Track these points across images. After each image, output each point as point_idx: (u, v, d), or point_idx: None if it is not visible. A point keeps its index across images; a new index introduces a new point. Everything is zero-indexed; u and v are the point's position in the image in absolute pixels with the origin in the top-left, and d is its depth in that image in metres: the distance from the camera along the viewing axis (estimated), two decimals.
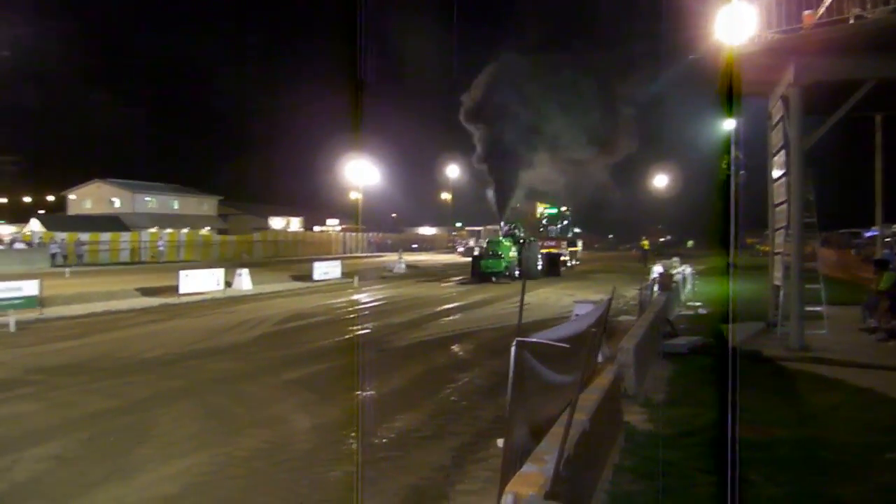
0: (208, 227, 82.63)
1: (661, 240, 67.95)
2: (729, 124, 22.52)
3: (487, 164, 39.96)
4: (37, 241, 52.57)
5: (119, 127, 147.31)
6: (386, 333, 17.86)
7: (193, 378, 12.35)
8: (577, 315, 11.67)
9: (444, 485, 7.08)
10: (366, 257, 65.04)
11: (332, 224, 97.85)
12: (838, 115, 13.48)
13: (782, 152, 15.29)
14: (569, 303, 20.23)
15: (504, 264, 35.04)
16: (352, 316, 22.08)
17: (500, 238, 37.71)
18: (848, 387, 10.83)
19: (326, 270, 36.56)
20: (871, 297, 15.92)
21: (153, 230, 62.72)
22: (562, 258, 43.47)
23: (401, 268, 43.82)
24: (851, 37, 12.91)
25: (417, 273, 42.93)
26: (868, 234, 39.49)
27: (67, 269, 38.27)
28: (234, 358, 14.50)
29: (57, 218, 78.82)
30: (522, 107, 37.99)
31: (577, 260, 49.03)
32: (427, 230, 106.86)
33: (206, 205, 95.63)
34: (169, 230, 63.88)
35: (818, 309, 14.79)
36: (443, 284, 34.35)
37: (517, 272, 35.71)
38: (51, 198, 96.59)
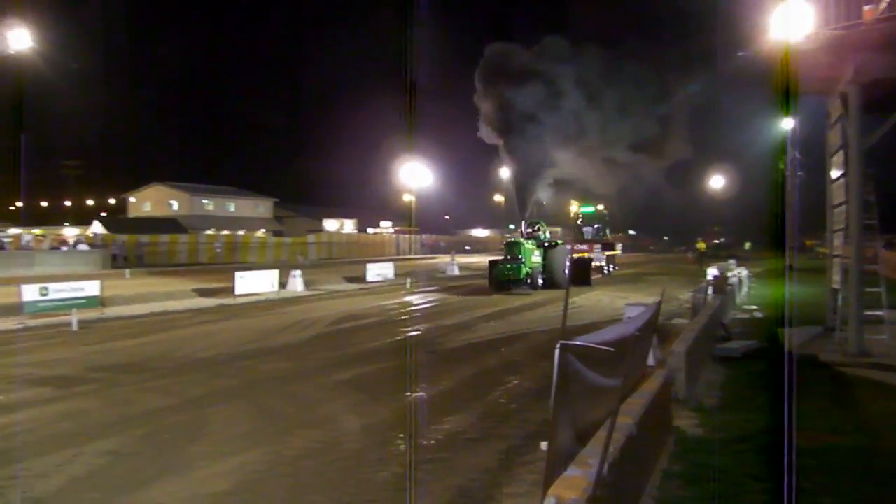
0: (264, 229, 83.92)
1: (716, 241, 66.59)
2: (786, 123, 22.03)
3: (505, 142, 34.37)
4: (99, 242, 53.97)
5: (178, 131, 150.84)
6: (436, 335, 17.92)
7: (246, 378, 12.58)
8: (628, 318, 11.56)
9: (491, 487, 7.08)
10: (419, 259, 65.29)
11: (386, 226, 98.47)
12: None
13: (841, 152, 14.91)
14: (621, 305, 20.03)
15: (525, 271, 30.31)
16: (403, 318, 22.21)
17: (521, 240, 32.33)
18: None
19: (379, 272, 36.84)
20: None
21: (210, 232, 63.99)
22: (595, 264, 38.73)
23: (453, 270, 43.86)
24: None
25: (471, 275, 42.88)
26: None
27: (127, 270, 39.23)
28: (286, 358, 14.71)
29: (118, 220, 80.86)
30: (557, 92, 33.31)
31: (614, 266, 43.12)
32: (480, 232, 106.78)
33: (262, 207, 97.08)
34: (225, 232, 65.08)
35: (879, 313, 14.38)
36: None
37: (540, 280, 31.20)
38: (112, 201, 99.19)
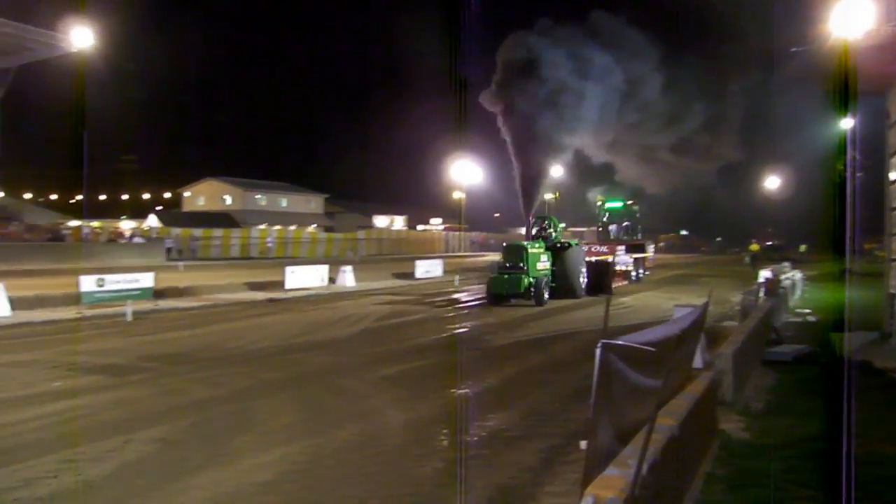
0: (315, 225, 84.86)
1: (770, 243, 65.11)
2: (845, 123, 21.48)
3: (505, 106, 28.93)
4: (154, 235, 55.19)
5: (231, 126, 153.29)
6: (483, 332, 17.94)
7: (293, 371, 12.76)
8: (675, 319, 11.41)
9: (531, 485, 7.07)
10: (468, 256, 65.31)
11: (436, 223, 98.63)
12: None
13: None
14: (670, 306, 19.77)
15: (527, 282, 24.54)
16: (451, 314, 22.27)
17: (523, 243, 26.61)
18: None
19: (428, 269, 36.98)
20: None
21: (262, 227, 64.89)
22: (620, 268, 33.82)
23: None
24: None
25: None
26: None
27: (181, 263, 40.04)
28: (333, 352, 14.87)
29: (173, 214, 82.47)
30: (588, 62, 29.74)
31: (644, 270, 37.30)
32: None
33: (314, 203, 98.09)
34: (277, 227, 65.94)
35: None
36: None
37: (547, 293, 25.32)
38: (167, 195, 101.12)
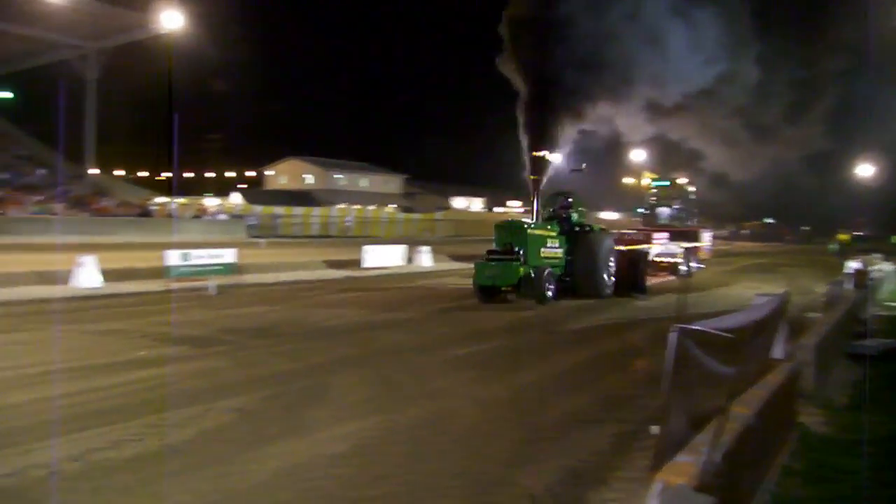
0: (394, 205, 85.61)
1: (859, 233, 62.59)
2: None
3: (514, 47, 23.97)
4: (237, 213, 56.57)
5: (314, 106, 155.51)
6: (560, 316, 17.83)
7: (368, 347, 12.96)
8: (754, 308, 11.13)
9: (602, 469, 7.03)
10: None
11: (514, 206, 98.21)
12: None
13: None
14: (750, 296, 19.26)
15: (522, 272, 19.29)
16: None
17: (522, 221, 22.40)
18: None
19: None
20: None
21: (342, 206, 65.79)
22: (666, 260, 28.85)
23: None
24: None
25: None
26: None
27: (263, 240, 40.95)
28: (407, 331, 15.03)
29: (255, 192, 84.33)
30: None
31: (698, 262, 31.88)
32: (609, 214, 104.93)
33: (393, 183, 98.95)
34: (357, 207, 66.76)
35: None
36: None
37: (552, 289, 19.81)
38: (251, 173, 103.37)
